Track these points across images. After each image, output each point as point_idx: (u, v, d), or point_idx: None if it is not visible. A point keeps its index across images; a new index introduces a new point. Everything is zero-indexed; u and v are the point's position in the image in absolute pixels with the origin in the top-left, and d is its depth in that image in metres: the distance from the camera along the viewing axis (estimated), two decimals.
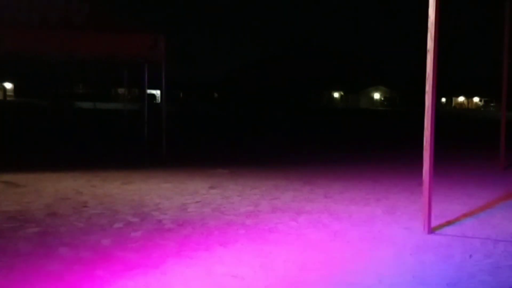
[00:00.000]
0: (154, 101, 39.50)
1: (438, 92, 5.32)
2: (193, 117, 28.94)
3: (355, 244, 4.92)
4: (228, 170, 9.37)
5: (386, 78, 77.93)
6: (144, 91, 13.66)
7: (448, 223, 5.76)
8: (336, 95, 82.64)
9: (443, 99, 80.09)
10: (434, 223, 5.52)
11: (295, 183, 8.18)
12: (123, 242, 4.80)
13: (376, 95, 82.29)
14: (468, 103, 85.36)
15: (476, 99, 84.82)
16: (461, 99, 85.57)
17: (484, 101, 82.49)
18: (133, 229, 5.27)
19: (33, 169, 9.07)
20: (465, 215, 6.16)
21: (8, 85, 62.65)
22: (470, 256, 4.62)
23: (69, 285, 3.76)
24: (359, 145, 15.67)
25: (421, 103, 5.31)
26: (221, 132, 19.92)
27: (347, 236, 5.19)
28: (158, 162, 10.30)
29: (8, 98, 56.49)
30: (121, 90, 54.70)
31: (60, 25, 10.09)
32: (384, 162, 11.45)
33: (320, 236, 5.17)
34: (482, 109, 79.95)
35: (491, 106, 76.47)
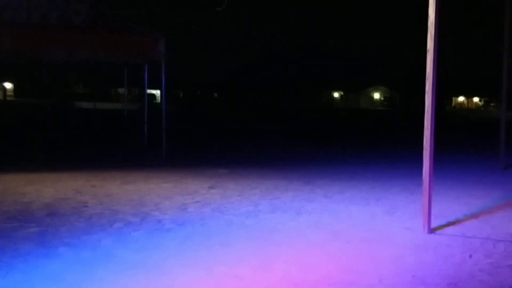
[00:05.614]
0: (154, 101, 39.41)
1: (438, 92, 5.31)
2: (193, 117, 28.90)
3: (355, 244, 4.92)
4: (228, 170, 9.37)
5: (386, 78, 77.84)
6: (144, 91, 13.65)
7: (448, 223, 5.76)
8: (336, 95, 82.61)
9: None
10: (434, 223, 5.52)
11: (295, 183, 8.18)
12: (123, 242, 4.80)
13: (376, 95, 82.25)
14: (468, 103, 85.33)
15: (476, 99, 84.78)
16: (461, 99, 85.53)
17: (484, 101, 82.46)
18: (133, 229, 5.27)
19: (33, 169, 9.07)
20: (465, 215, 6.16)
21: (8, 85, 62.59)
22: (470, 256, 4.62)
23: (69, 285, 3.77)
24: (359, 145, 15.66)
25: (423, 103, 5.31)
26: (221, 132, 19.90)
27: (347, 236, 5.18)
28: (158, 162, 10.30)
29: (8, 98, 56.41)
30: (121, 90, 54.69)
31: (60, 25, 10.10)
32: (384, 161, 11.44)
33: (320, 236, 5.18)
34: (482, 109, 79.91)
35: (491, 106, 76.42)
